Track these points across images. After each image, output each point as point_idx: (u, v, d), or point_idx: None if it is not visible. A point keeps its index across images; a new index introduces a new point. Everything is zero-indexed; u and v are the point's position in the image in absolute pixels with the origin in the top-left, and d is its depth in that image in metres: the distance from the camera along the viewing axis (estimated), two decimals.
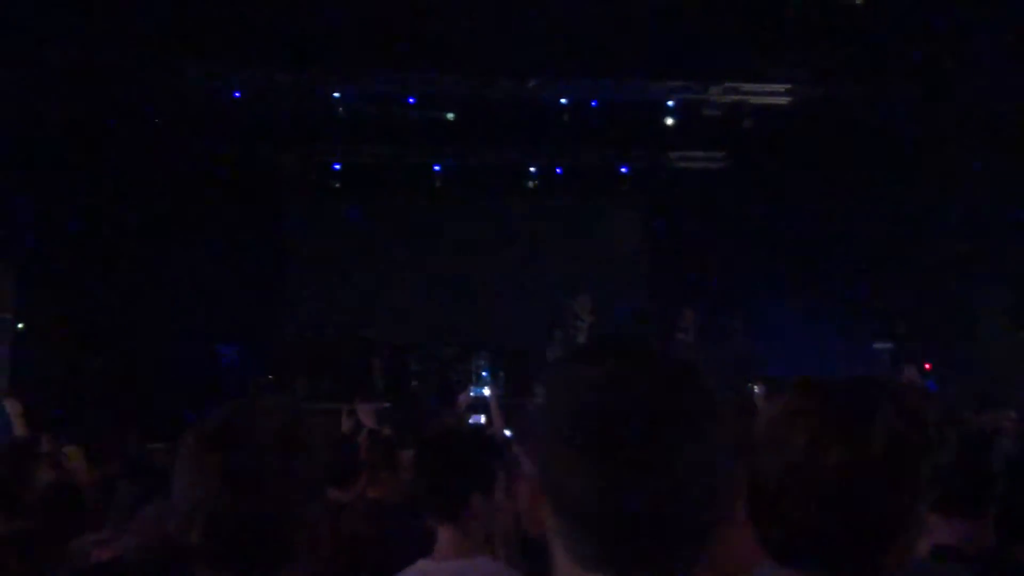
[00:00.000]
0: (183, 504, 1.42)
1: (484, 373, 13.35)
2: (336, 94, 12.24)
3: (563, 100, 12.67)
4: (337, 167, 14.46)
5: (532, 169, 14.96)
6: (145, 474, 4.56)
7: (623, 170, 15.14)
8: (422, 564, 2.60)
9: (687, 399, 1.07)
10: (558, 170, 14.98)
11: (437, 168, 14.64)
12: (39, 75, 9.42)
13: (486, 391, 11.06)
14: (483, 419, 8.21)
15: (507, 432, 6.40)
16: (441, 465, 2.70)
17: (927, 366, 11.24)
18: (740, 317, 12.59)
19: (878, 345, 11.96)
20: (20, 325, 10.05)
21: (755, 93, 12.74)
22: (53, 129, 9.93)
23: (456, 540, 2.60)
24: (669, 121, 12.95)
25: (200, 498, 1.39)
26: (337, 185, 14.60)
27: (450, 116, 12.64)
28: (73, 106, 10.07)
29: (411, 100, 12.56)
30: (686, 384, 1.08)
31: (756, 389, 8.15)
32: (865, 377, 1.50)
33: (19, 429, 5.98)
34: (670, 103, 12.82)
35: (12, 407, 5.97)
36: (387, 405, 10.26)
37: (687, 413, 1.06)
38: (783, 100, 12.88)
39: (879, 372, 11.23)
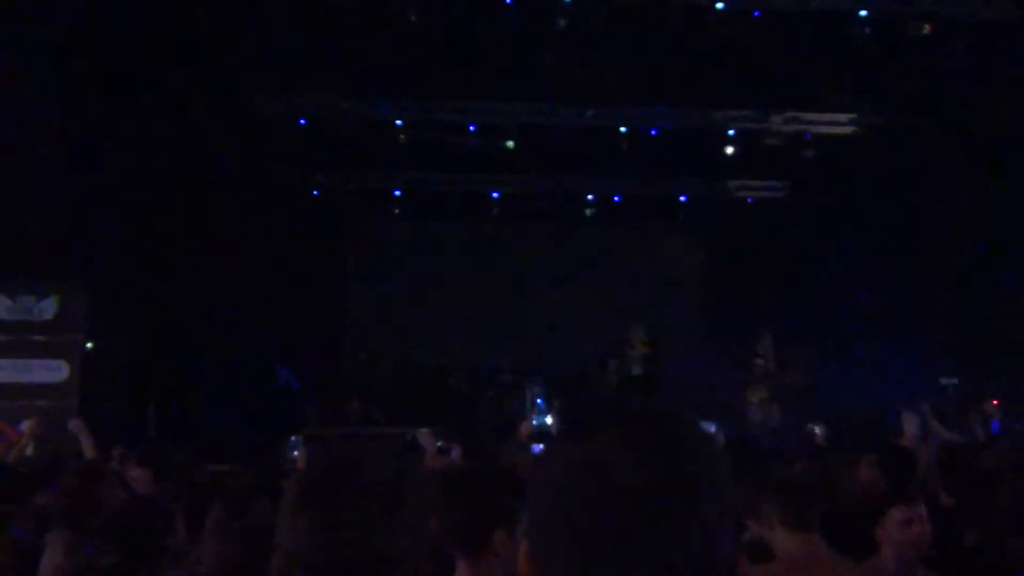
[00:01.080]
0: (286, 550, 1.43)
1: (539, 401, 13.30)
2: (397, 122, 12.41)
3: (622, 128, 12.69)
4: (397, 193, 14.62)
5: (590, 197, 14.97)
6: (204, 496, 4.60)
7: (682, 199, 15.07)
8: None
9: (674, 484, 1.01)
10: (616, 198, 14.96)
11: (495, 195, 14.73)
12: (109, 101, 9.69)
13: (548, 420, 11.02)
14: None
15: None
16: (466, 500, 2.69)
17: (995, 402, 10.93)
18: (800, 351, 12.36)
19: (945, 380, 11.66)
20: (89, 344, 10.29)
21: (818, 122, 12.62)
22: (123, 156, 10.21)
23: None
24: (729, 150, 12.87)
25: (304, 545, 1.41)
26: (396, 211, 14.75)
27: (509, 144, 12.71)
28: (142, 133, 10.35)
29: (471, 128, 12.69)
30: (675, 467, 1.02)
31: (817, 430, 7.99)
32: None
33: (87, 448, 6.08)
34: (730, 131, 12.76)
35: (77, 428, 6.07)
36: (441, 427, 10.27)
37: (673, 500, 1.00)
38: (847, 130, 12.74)
39: (945, 407, 10.98)
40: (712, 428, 8.92)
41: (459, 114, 12.47)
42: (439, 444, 6.40)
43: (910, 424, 5.39)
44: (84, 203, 9.68)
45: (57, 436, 7.29)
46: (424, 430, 6.14)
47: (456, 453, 6.26)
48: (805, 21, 10.13)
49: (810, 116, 12.59)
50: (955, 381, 11.81)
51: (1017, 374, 10.98)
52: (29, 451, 6.28)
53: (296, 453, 7.90)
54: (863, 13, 9.98)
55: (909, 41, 10.23)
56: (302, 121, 12.22)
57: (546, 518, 1.05)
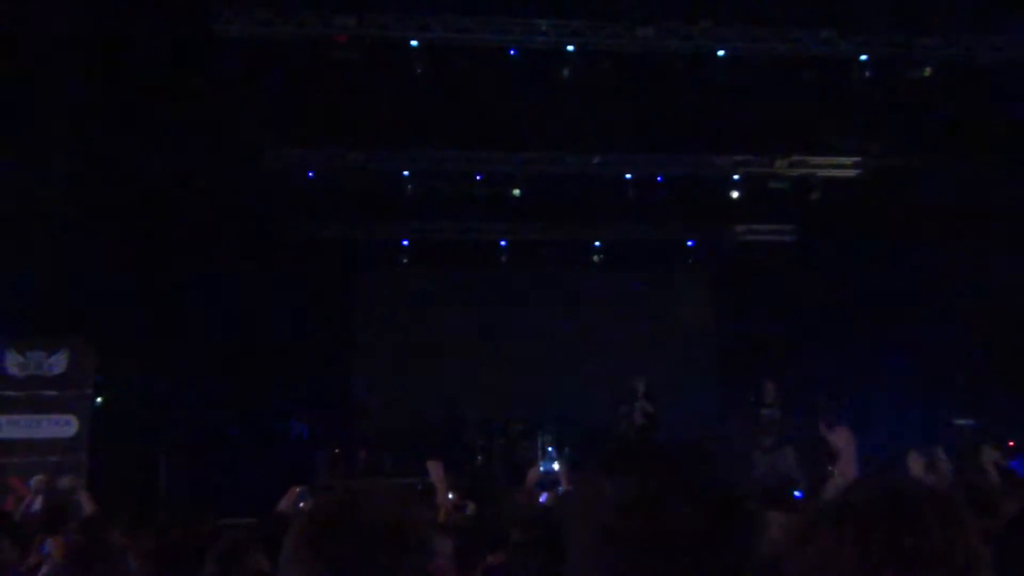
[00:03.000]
0: None
1: (550, 449, 13.21)
2: (405, 172, 12.52)
3: (628, 175, 12.76)
4: (406, 243, 14.69)
5: (597, 244, 15.01)
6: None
7: (689, 244, 15.10)
8: None
9: (715, 520, 1.03)
10: (624, 244, 15.00)
11: (503, 243, 14.78)
12: (117, 155, 9.81)
13: (556, 466, 10.92)
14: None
15: None
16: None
17: (1011, 443, 10.79)
18: (824, 395, 12.18)
19: (959, 421, 11.52)
20: (99, 399, 10.29)
21: (823, 166, 12.68)
22: (134, 211, 10.31)
23: None
24: (735, 194, 12.91)
25: None
26: (405, 261, 14.81)
27: (516, 192, 12.79)
28: (154, 187, 10.46)
29: (478, 177, 12.79)
30: (715, 504, 1.05)
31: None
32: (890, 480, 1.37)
33: (86, 505, 6.02)
34: (736, 176, 12.81)
35: (70, 485, 6.03)
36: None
37: (713, 535, 1.02)
38: (851, 172, 12.78)
39: (960, 448, 10.83)
40: None
41: (466, 164, 12.58)
42: (451, 497, 6.30)
43: (916, 465, 5.30)
44: (93, 258, 9.74)
45: (65, 491, 7.28)
46: (434, 462, 5.93)
47: (470, 510, 6.16)
48: (807, 66, 10.22)
49: (815, 160, 12.64)
50: (971, 422, 11.67)
51: None
52: (37, 506, 6.24)
53: (303, 505, 7.82)
54: (864, 57, 10.08)
55: (911, 83, 10.31)
56: (310, 173, 12.34)
57: (589, 554, 1.05)
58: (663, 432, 12.27)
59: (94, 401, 10.16)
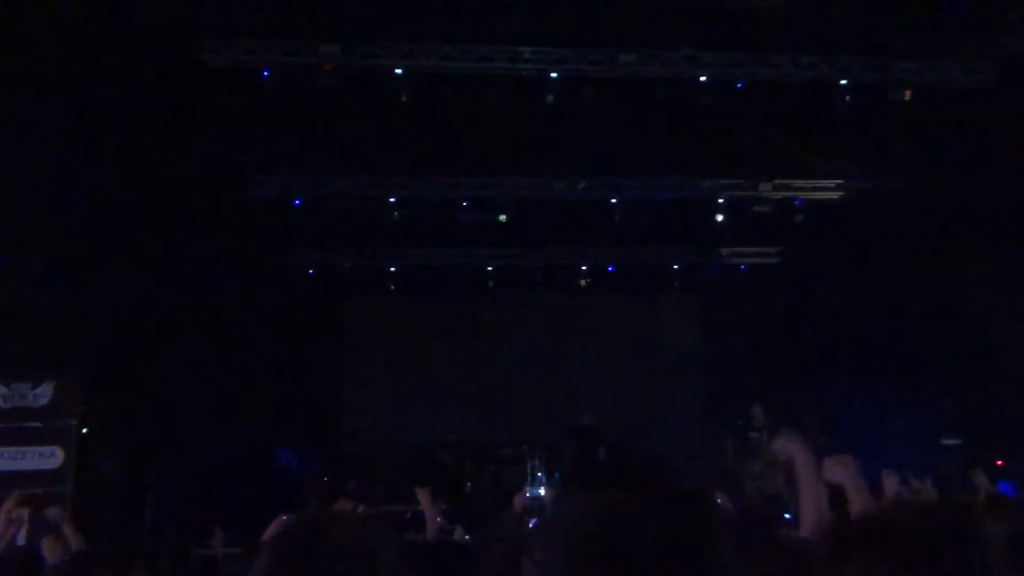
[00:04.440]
0: None
1: (539, 475, 13.16)
2: (391, 199, 12.54)
3: (613, 200, 12.83)
4: (392, 270, 14.70)
5: (584, 268, 15.05)
6: None
7: (675, 267, 15.16)
8: None
9: (687, 533, 1.06)
10: (610, 268, 15.05)
11: (490, 269, 14.81)
12: (103, 186, 9.80)
13: (542, 492, 10.88)
14: None
15: None
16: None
17: (999, 463, 10.83)
18: (816, 416, 12.22)
19: (947, 441, 11.57)
20: (85, 430, 10.20)
21: (806, 189, 12.78)
22: (119, 240, 10.28)
23: None
24: (719, 217, 12.99)
25: None
26: (392, 287, 14.80)
27: (502, 218, 12.83)
28: (138, 215, 10.44)
29: (464, 203, 12.83)
30: (687, 517, 1.07)
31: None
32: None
33: (72, 538, 5.93)
34: (720, 200, 12.89)
35: (58, 515, 5.94)
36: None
37: (685, 548, 1.05)
38: (835, 195, 12.89)
39: (947, 469, 10.88)
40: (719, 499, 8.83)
41: (451, 190, 12.62)
42: (439, 521, 6.27)
43: (890, 485, 5.30)
44: (79, 289, 9.71)
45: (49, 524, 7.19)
46: (423, 490, 5.91)
47: (458, 534, 6.14)
48: (788, 91, 10.34)
49: (798, 183, 12.75)
50: (958, 442, 11.72)
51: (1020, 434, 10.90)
52: (20, 539, 6.16)
53: None
54: (844, 82, 10.21)
55: (892, 106, 10.44)
56: (296, 201, 12.34)
57: (560, 566, 1.06)
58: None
59: (79, 432, 10.07)
